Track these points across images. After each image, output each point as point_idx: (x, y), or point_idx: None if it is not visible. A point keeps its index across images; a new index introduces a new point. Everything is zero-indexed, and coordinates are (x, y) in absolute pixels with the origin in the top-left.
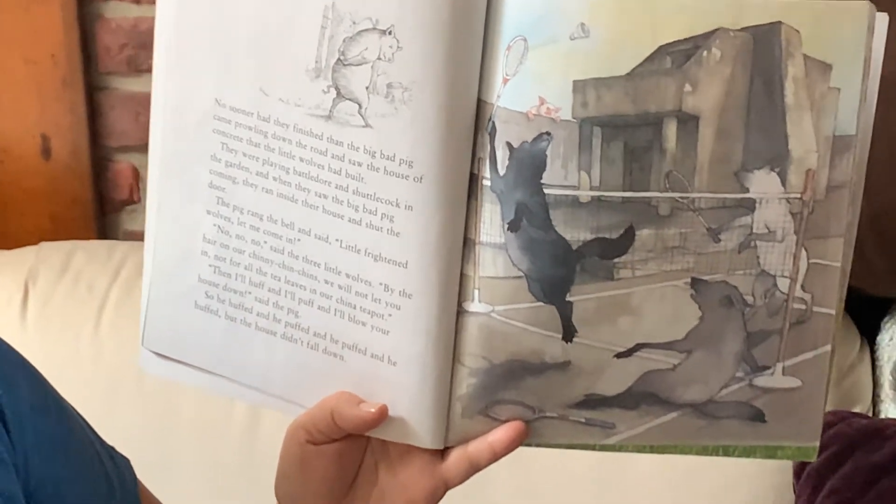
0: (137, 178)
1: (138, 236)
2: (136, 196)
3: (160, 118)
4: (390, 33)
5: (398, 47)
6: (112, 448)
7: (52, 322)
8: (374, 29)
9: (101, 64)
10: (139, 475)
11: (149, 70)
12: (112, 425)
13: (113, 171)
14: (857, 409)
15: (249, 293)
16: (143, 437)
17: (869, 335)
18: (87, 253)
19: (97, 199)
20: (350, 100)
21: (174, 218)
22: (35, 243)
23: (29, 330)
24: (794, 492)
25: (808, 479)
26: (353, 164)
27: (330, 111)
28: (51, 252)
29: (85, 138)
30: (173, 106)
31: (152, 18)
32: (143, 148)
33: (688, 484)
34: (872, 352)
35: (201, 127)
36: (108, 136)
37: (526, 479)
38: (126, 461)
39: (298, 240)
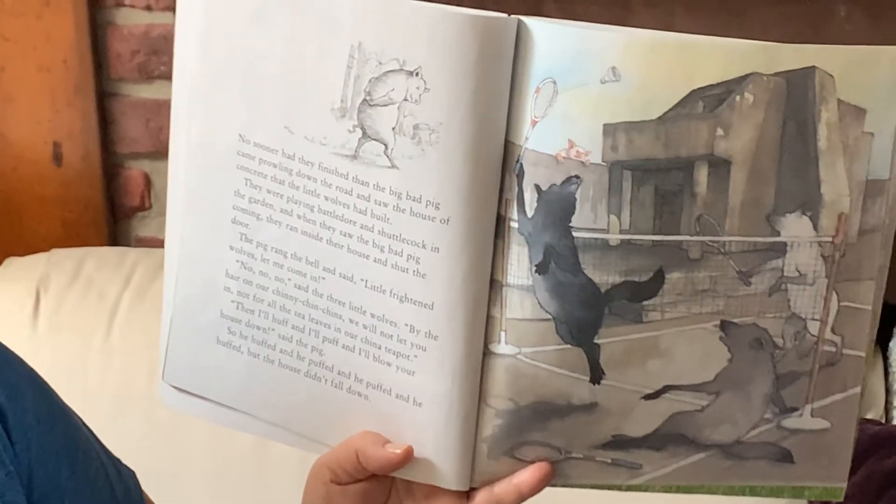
0: (149, 184)
1: (149, 243)
2: (147, 203)
3: (183, 151)
4: (417, 74)
5: (425, 88)
6: (118, 460)
7: (63, 328)
8: (402, 70)
9: (113, 70)
10: (148, 483)
11: (160, 77)
12: (121, 432)
13: (124, 177)
14: (869, 416)
15: (273, 330)
16: (152, 445)
17: (882, 342)
18: (99, 259)
19: (108, 205)
20: (376, 140)
21: (197, 253)
22: (46, 250)
23: (40, 336)
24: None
25: None
26: (379, 204)
27: (355, 151)
28: (62, 258)
29: (96, 145)
30: (197, 140)
31: (163, 25)
32: (154, 155)
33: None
34: (885, 358)
35: (225, 162)
36: (119, 142)
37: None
38: (131, 473)
39: (323, 278)
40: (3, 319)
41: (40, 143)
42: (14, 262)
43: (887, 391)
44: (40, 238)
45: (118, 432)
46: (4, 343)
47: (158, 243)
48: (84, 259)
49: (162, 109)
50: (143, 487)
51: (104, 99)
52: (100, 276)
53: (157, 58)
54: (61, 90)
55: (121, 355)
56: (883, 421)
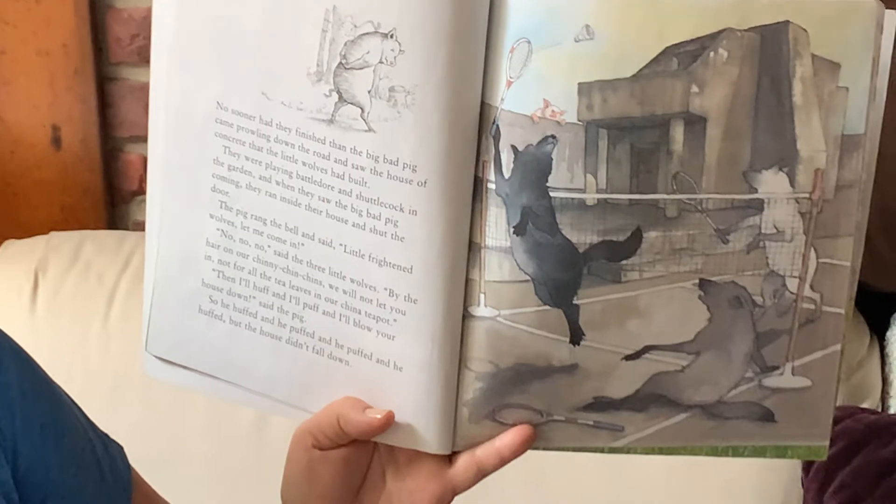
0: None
1: None
2: (145, 186)
3: (161, 121)
4: (392, 37)
5: (400, 51)
6: (106, 435)
7: (61, 312)
8: (376, 32)
9: (112, 54)
10: (146, 465)
11: None
12: (120, 415)
13: (123, 161)
14: (866, 405)
15: (254, 297)
16: (150, 428)
17: (878, 331)
18: (97, 243)
19: (107, 189)
20: (352, 104)
21: (177, 222)
22: (45, 233)
23: (38, 319)
24: (803, 486)
25: (816, 475)
26: (357, 168)
27: (332, 115)
28: (61, 242)
29: (95, 128)
30: (175, 109)
31: None
32: None
33: (696, 478)
34: (882, 347)
35: (203, 131)
36: (118, 126)
37: (535, 470)
38: (119, 448)
39: (302, 244)
40: (2, 302)
41: (39, 126)
42: (13, 246)
43: (884, 380)
44: (39, 221)
45: (117, 414)
46: (2, 326)
47: None
48: (82, 242)
49: None
50: (140, 471)
51: (103, 83)
52: (98, 259)
53: None
54: (61, 74)
55: (119, 338)
56: (879, 410)
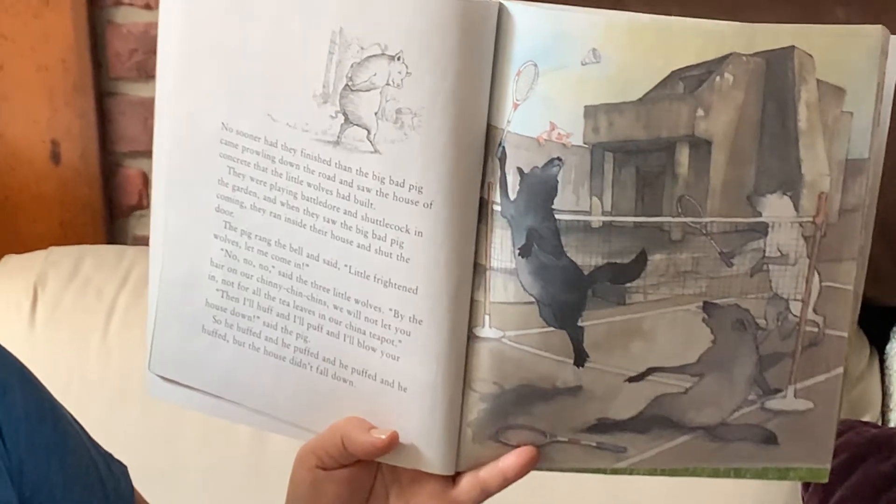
0: (147, 183)
1: (147, 242)
2: (145, 201)
3: (166, 141)
4: (399, 59)
5: (407, 73)
6: (109, 455)
7: (60, 327)
8: (383, 55)
9: (112, 69)
10: (144, 481)
11: None
12: (119, 431)
13: (122, 176)
14: (866, 419)
15: (258, 318)
16: (149, 443)
17: (878, 344)
18: (96, 258)
19: (106, 204)
20: (358, 125)
21: (181, 241)
22: (44, 248)
23: (37, 335)
24: (803, 501)
25: (816, 489)
26: (362, 189)
27: (338, 137)
28: (60, 257)
29: (94, 144)
30: (180, 129)
31: None
32: (152, 154)
33: (695, 493)
34: (881, 361)
35: (208, 151)
36: (117, 141)
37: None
38: (123, 468)
39: (307, 265)
40: (1, 318)
41: (38, 141)
42: (11, 261)
43: (883, 394)
44: (38, 236)
45: (115, 430)
46: (1, 341)
47: None
48: (82, 258)
49: None
50: (140, 486)
51: (103, 98)
52: (97, 274)
53: (155, 57)
54: (60, 89)
55: (118, 354)
56: (879, 424)
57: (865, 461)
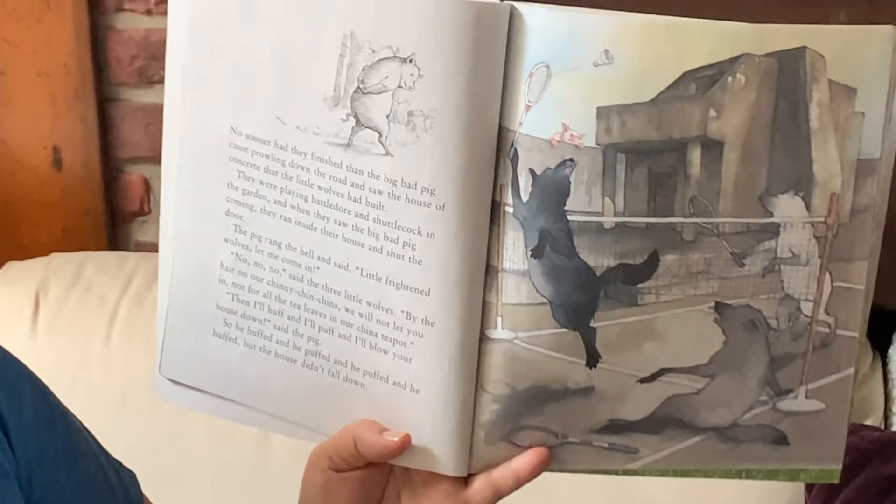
0: (148, 189)
1: (149, 247)
2: (146, 207)
3: (175, 145)
4: (411, 61)
5: (419, 75)
6: (118, 462)
7: (62, 333)
8: (395, 57)
9: (113, 75)
10: (149, 485)
11: (160, 81)
12: (122, 436)
13: (124, 182)
14: (869, 422)
15: (268, 321)
16: (153, 448)
17: (881, 348)
18: (98, 264)
19: (108, 210)
20: (370, 128)
21: (191, 246)
22: (46, 254)
23: (40, 341)
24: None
25: (819, 492)
26: (374, 192)
27: (349, 139)
28: (62, 263)
29: (96, 149)
30: (189, 134)
31: (163, 30)
32: (153, 159)
33: (699, 495)
34: (884, 364)
35: (217, 155)
36: (119, 147)
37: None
38: (132, 475)
39: (318, 268)
40: (3, 324)
41: (40, 147)
42: (14, 267)
43: (886, 397)
44: (40, 242)
45: (119, 436)
46: (4, 346)
47: (158, 248)
48: (84, 264)
49: (162, 114)
50: (145, 490)
51: (104, 103)
52: (99, 280)
53: (156, 62)
54: (61, 94)
55: (120, 360)
56: (882, 427)
57: (869, 464)
